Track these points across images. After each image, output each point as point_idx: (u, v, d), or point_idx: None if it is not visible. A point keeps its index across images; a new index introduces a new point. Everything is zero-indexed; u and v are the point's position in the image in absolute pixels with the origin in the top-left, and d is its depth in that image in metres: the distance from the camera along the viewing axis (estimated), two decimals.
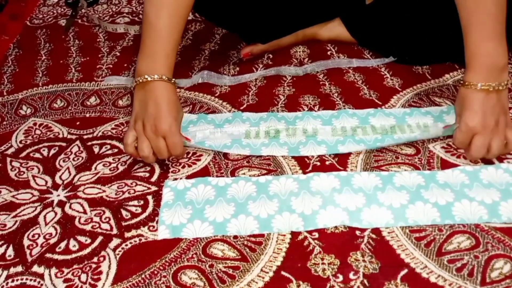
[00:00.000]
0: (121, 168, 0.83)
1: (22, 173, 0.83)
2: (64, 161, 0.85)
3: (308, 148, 0.84)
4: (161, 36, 0.81)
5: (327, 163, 0.81)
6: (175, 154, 0.81)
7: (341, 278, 0.63)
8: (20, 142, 0.91)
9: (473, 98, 0.77)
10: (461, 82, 0.80)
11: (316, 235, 0.69)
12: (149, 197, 0.77)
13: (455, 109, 0.83)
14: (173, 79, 0.81)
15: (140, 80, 0.80)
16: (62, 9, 1.42)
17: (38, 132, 0.93)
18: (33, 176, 0.83)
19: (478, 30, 0.78)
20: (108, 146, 0.88)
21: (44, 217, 0.74)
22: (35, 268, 0.67)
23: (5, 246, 0.70)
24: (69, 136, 0.91)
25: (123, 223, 0.73)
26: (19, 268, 0.67)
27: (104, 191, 0.79)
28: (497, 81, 0.77)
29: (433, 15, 1.02)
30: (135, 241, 0.70)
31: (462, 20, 0.80)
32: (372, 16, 1.10)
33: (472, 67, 0.78)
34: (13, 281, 0.65)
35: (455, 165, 0.79)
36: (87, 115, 0.97)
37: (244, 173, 0.80)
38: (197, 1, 0.85)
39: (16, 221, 0.74)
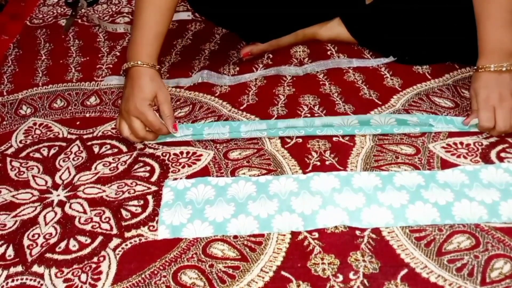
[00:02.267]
0: (121, 168, 0.83)
1: (22, 173, 0.83)
2: (64, 161, 0.85)
3: (288, 132, 0.87)
4: (144, 26, 0.88)
5: (327, 163, 0.81)
6: (155, 130, 0.85)
7: (341, 278, 0.63)
8: (20, 142, 0.91)
9: (487, 78, 0.84)
10: (475, 69, 0.87)
11: (316, 235, 0.69)
12: (149, 197, 0.77)
13: (471, 94, 0.86)
14: (152, 63, 0.87)
15: (125, 67, 0.87)
16: (62, 9, 1.42)
17: (38, 132, 0.93)
18: (33, 176, 0.82)
19: (490, 19, 0.85)
20: (108, 146, 0.88)
21: (44, 217, 0.74)
22: (35, 268, 0.67)
23: (5, 246, 0.70)
24: (69, 136, 0.91)
25: (123, 223, 0.73)
26: (19, 268, 0.67)
27: (104, 191, 0.79)
28: (508, 62, 0.83)
29: (433, 15, 1.02)
30: (135, 241, 0.70)
31: (475, 11, 0.87)
32: (372, 16, 1.10)
33: (484, 53, 0.86)
34: (13, 281, 0.65)
35: (455, 165, 0.79)
36: (87, 115, 0.97)
37: (244, 173, 0.80)
38: (197, 1, 0.86)
39: (16, 221, 0.74)
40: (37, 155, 0.87)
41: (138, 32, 0.88)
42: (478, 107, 0.84)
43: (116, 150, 0.87)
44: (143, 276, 0.65)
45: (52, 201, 0.77)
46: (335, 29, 1.13)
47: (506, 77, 0.83)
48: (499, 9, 0.84)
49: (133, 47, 0.88)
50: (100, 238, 0.71)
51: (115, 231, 0.72)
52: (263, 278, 0.64)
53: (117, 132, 0.91)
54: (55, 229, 0.72)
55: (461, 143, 0.83)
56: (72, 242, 0.70)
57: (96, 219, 0.74)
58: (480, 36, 0.86)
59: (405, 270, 0.63)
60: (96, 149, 0.87)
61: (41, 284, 0.65)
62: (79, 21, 1.35)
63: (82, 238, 0.71)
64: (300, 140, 0.86)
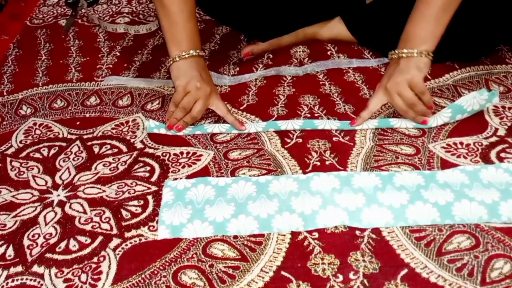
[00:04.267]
0: (121, 168, 0.83)
1: (22, 173, 0.83)
2: (64, 161, 0.85)
3: (285, 124, 0.88)
4: (178, 19, 0.89)
5: (327, 163, 0.81)
6: (193, 112, 0.89)
7: (341, 278, 0.63)
8: (20, 142, 0.91)
9: (391, 64, 0.89)
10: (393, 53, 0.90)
11: (316, 235, 0.69)
12: (149, 197, 0.77)
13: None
14: (203, 53, 0.92)
15: (172, 61, 0.90)
16: (62, 9, 1.42)
17: (38, 132, 0.93)
18: (33, 176, 0.82)
19: (416, 11, 0.88)
20: (108, 146, 0.88)
21: (44, 217, 0.74)
22: (35, 268, 0.67)
23: (5, 246, 0.70)
24: (69, 136, 0.91)
25: (123, 223, 0.73)
26: (19, 268, 0.67)
27: (104, 191, 0.79)
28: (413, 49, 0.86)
29: None
30: (135, 241, 0.70)
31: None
32: (372, 15, 1.10)
33: (399, 43, 0.90)
34: (13, 281, 0.65)
35: (455, 165, 0.79)
36: (87, 115, 0.97)
37: (244, 173, 0.80)
38: None
39: (16, 221, 0.74)
40: (37, 155, 0.87)
41: (174, 25, 0.89)
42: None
43: (116, 150, 0.87)
44: (143, 276, 0.65)
45: (52, 201, 0.77)
46: (335, 28, 1.13)
47: (404, 62, 0.86)
48: (431, 3, 0.85)
49: (176, 41, 0.90)
50: (100, 238, 0.71)
51: (115, 231, 0.72)
52: (263, 278, 0.64)
53: (117, 132, 0.91)
54: (55, 229, 0.72)
55: (461, 143, 0.83)
56: (72, 242, 0.70)
57: (96, 219, 0.74)
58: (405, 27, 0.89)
59: (405, 270, 0.63)
60: (96, 149, 0.87)
61: (41, 284, 0.65)
62: (79, 21, 1.35)
63: (82, 238, 0.71)
64: (300, 140, 0.86)
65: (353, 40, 1.13)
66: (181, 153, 0.85)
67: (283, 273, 0.64)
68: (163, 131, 0.90)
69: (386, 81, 0.87)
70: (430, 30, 0.86)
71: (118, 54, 1.18)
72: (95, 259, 0.67)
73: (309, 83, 1.03)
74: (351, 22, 1.12)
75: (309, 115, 0.92)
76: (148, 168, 0.83)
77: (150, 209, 0.75)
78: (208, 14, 1.21)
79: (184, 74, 0.89)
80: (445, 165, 0.79)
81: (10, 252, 0.69)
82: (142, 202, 0.76)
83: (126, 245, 0.69)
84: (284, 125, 0.89)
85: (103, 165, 0.84)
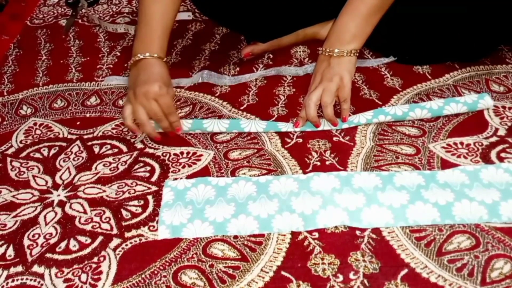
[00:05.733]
0: (121, 168, 0.83)
1: (22, 173, 0.83)
2: (64, 161, 0.85)
3: (287, 125, 0.88)
4: (151, 20, 0.88)
5: (327, 163, 0.81)
6: (170, 116, 0.85)
7: (341, 278, 0.63)
8: (20, 142, 0.91)
9: (321, 60, 0.89)
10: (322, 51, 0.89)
11: (316, 235, 0.69)
12: (149, 197, 0.77)
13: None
14: (165, 58, 0.88)
15: (133, 60, 0.87)
16: (62, 9, 1.42)
17: (38, 132, 0.93)
18: (33, 176, 0.83)
19: (347, 8, 0.88)
20: (108, 146, 0.88)
21: (44, 217, 0.74)
22: (35, 268, 0.67)
23: (5, 246, 0.70)
24: (69, 136, 0.91)
25: (123, 223, 0.73)
26: (19, 268, 0.67)
27: (104, 191, 0.79)
28: (341, 48, 0.87)
29: (433, 15, 1.02)
30: (135, 241, 0.70)
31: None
32: None
33: (328, 38, 0.89)
34: (13, 281, 0.65)
35: (455, 165, 0.79)
36: (87, 115, 0.97)
37: (244, 173, 0.80)
38: (200, 0, 0.86)
39: (16, 221, 0.74)
40: (37, 155, 0.87)
41: (144, 26, 0.88)
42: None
43: (116, 150, 0.87)
44: (143, 276, 0.65)
45: (53, 201, 0.77)
46: None
47: (334, 61, 0.87)
48: (360, 2, 0.86)
49: (141, 40, 0.88)
50: (100, 238, 0.71)
51: (115, 231, 0.72)
52: (263, 278, 0.64)
53: (117, 132, 0.91)
54: (55, 229, 0.72)
55: (461, 143, 0.83)
56: (72, 242, 0.70)
57: (97, 219, 0.74)
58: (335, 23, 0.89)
59: (405, 270, 0.63)
60: (96, 149, 0.87)
61: (41, 284, 0.65)
62: (80, 21, 1.35)
63: (82, 238, 0.71)
64: (300, 140, 0.86)
65: None
66: (181, 153, 0.85)
67: (283, 273, 0.64)
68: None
69: (319, 80, 0.87)
70: (362, 28, 0.87)
71: (118, 54, 1.18)
72: (95, 259, 0.67)
73: (309, 83, 1.02)
74: None
75: None
76: (148, 168, 0.83)
77: (150, 209, 0.75)
78: (207, 16, 1.21)
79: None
80: (445, 165, 0.79)
81: (10, 252, 0.69)
82: (142, 202, 0.76)
83: (126, 245, 0.69)
84: (284, 127, 0.88)
85: (103, 165, 0.84)
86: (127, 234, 0.71)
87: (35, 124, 0.95)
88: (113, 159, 0.85)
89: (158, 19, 0.89)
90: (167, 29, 0.90)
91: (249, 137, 0.88)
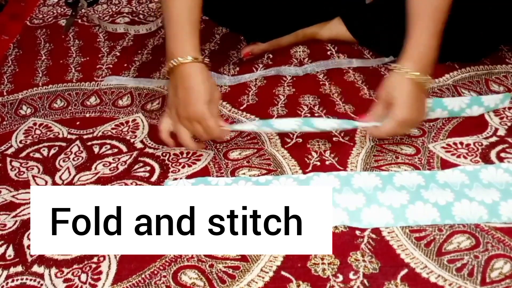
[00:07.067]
0: (121, 168, 0.83)
1: (22, 173, 0.83)
2: (64, 161, 0.85)
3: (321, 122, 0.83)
4: (180, 17, 0.82)
5: (327, 163, 0.81)
6: (213, 138, 0.82)
7: (341, 278, 0.63)
8: (20, 142, 0.91)
9: (400, 80, 0.78)
10: (394, 67, 0.81)
11: None
12: None
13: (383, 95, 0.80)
14: (201, 57, 0.80)
15: (170, 65, 0.80)
16: (62, 9, 1.42)
17: (38, 132, 0.93)
18: (33, 176, 0.83)
19: (425, 22, 0.81)
20: (108, 146, 0.88)
21: None
22: (35, 268, 0.67)
23: (5, 246, 0.70)
24: (69, 136, 0.91)
25: None
26: (19, 268, 0.67)
27: None
28: (427, 75, 0.79)
29: None
30: None
31: (409, 10, 0.83)
32: (372, 15, 1.10)
33: (410, 56, 0.80)
34: (13, 281, 0.65)
35: (455, 165, 0.79)
36: (87, 115, 0.97)
37: (244, 173, 0.80)
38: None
39: (16, 221, 0.74)
40: (37, 155, 0.87)
41: (174, 24, 0.82)
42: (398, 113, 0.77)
43: (116, 150, 0.87)
44: (143, 276, 0.65)
45: None
46: (335, 28, 1.13)
47: (421, 89, 0.79)
48: (431, 17, 0.81)
49: (172, 41, 0.82)
50: None
51: None
52: (263, 278, 0.64)
53: (117, 132, 0.91)
54: None
55: (461, 143, 0.83)
56: None
57: None
58: (410, 35, 0.81)
59: (405, 270, 0.63)
60: (96, 149, 0.87)
61: (41, 284, 0.65)
62: (79, 21, 1.35)
63: None
64: (300, 140, 0.86)
65: (353, 40, 1.13)
66: (181, 153, 0.85)
67: (283, 273, 0.64)
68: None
69: (404, 105, 0.77)
70: (434, 51, 0.80)
71: (118, 54, 1.18)
72: (95, 259, 0.67)
73: (309, 83, 1.03)
74: (351, 22, 1.12)
75: (309, 115, 0.92)
76: (148, 168, 0.83)
77: None
78: (206, 16, 1.21)
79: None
80: (445, 165, 0.79)
81: (10, 252, 0.69)
82: None
83: None
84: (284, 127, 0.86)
85: (103, 165, 0.84)
86: None
87: (34, 124, 0.95)
88: (113, 159, 0.85)
89: (186, 15, 0.82)
90: (197, 24, 0.84)
91: (249, 137, 0.88)
